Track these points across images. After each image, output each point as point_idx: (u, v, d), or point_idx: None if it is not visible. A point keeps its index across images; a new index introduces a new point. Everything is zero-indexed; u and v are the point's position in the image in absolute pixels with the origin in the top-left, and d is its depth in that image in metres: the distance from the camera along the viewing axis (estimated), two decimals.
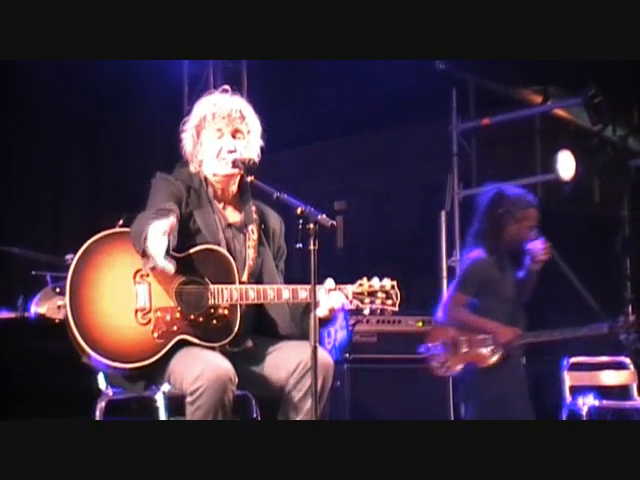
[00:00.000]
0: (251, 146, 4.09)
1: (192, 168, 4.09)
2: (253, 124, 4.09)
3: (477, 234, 5.67)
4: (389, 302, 4.08)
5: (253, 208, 4.16)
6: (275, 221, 4.22)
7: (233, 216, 4.13)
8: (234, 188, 4.13)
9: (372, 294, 4.06)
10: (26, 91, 7.15)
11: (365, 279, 4.08)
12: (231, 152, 4.03)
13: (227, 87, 4.14)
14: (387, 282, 4.09)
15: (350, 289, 4.05)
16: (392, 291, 4.08)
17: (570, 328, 5.63)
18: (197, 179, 4.08)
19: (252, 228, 4.12)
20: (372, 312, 4.11)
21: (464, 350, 5.56)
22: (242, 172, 4.03)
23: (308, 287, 3.88)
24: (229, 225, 4.10)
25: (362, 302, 4.05)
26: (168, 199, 3.94)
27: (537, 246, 5.52)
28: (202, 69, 7.57)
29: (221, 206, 4.11)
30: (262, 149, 4.12)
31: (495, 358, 5.45)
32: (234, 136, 4.05)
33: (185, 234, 3.94)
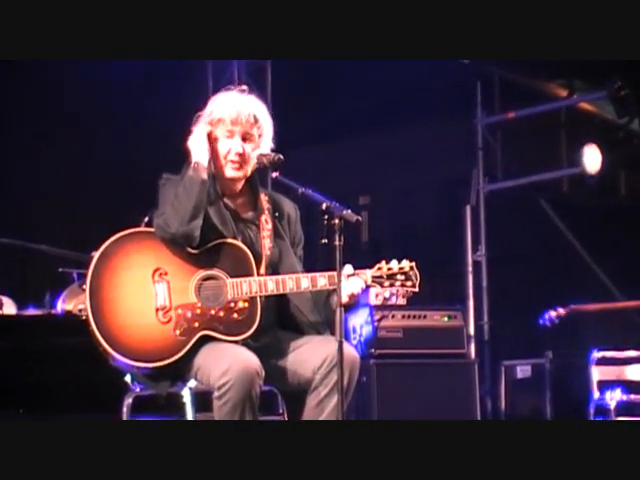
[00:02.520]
0: (262, 145, 4.07)
1: None
2: (265, 128, 4.08)
3: None
4: (409, 283, 4.07)
5: (266, 198, 4.16)
6: (289, 207, 4.21)
7: (244, 209, 4.12)
8: (241, 184, 4.12)
9: (391, 277, 4.07)
10: (44, 90, 7.18)
11: (383, 262, 4.09)
12: (239, 154, 4.03)
13: (245, 87, 4.14)
14: (405, 263, 4.09)
15: (369, 273, 4.06)
16: (411, 272, 4.08)
17: None
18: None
19: (265, 218, 4.12)
20: (393, 295, 4.11)
21: None
22: (267, 168, 4.05)
23: (327, 274, 3.92)
24: (241, 219, 4.10)
25: (382, 285, 4.06)
26: None
27: None
28: (226, 64, 7.58)
29: (230, 201, 4.11)
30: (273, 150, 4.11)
31: None
32: (244, 139, 4.05)
33: (201, 231, 3.95)
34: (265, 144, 4.09)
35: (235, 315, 3.96)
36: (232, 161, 4.03)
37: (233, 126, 4.01)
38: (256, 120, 4.04)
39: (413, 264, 4.09)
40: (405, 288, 4.08)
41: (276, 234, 4.13)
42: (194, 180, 3.92)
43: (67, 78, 6.95)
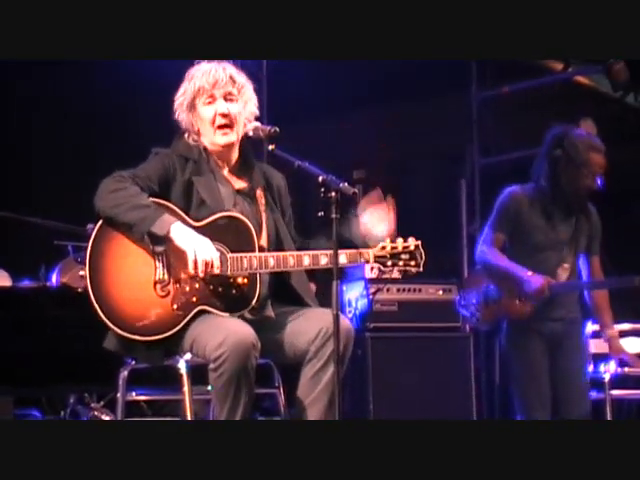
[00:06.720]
0: (247, 107, 4.07)
1: (190, 139, 4.09)
2: (245, 86, 4.06)
3: (532, 172, 5.28)
4: (412, 263, 4.02)
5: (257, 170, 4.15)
6: (278, 179, 4.22)
7: (239, 182, 4.12)
8: (235, 155, 4.13)
9: (395, 256, 4.01)
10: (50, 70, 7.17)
11: (388, 240, 4.02)
12: (224, 115, 4.01)
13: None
14: (411, 242, 4.04)
15: (372, 252, 4.02)
16: (416, 251, 4.02)
17: (599, 280, 5.52)
18: (196, 150, 4.07)
19: (259, 192, 4.12)
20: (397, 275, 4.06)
21: (495, 300, 5.15)
22: (263, 141, 4.04)
23: (329, 252, 3.89)
24: (237, 191, 4.10)
25: (384, 265, 4.00)
26: (152, 173, 3.97)
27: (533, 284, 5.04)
28: None
29: (226, 173, 4.10)
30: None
31: (526, 311, 5.03)
32: (226, 99, 4.02)
33: (188, 204, 3.96)
34: (250, 106, 4.07)
35: (234, 291, 3.95)
36: (220, 125, 4.01)
37: (213, 90, 4.00)
38: (233, 79, 4.02)
39: (419, 243, 4.02)
40: (408, 268, 4.01)
41: (269, 207, 4.13)
42: (152, 222, 3.83)
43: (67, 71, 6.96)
